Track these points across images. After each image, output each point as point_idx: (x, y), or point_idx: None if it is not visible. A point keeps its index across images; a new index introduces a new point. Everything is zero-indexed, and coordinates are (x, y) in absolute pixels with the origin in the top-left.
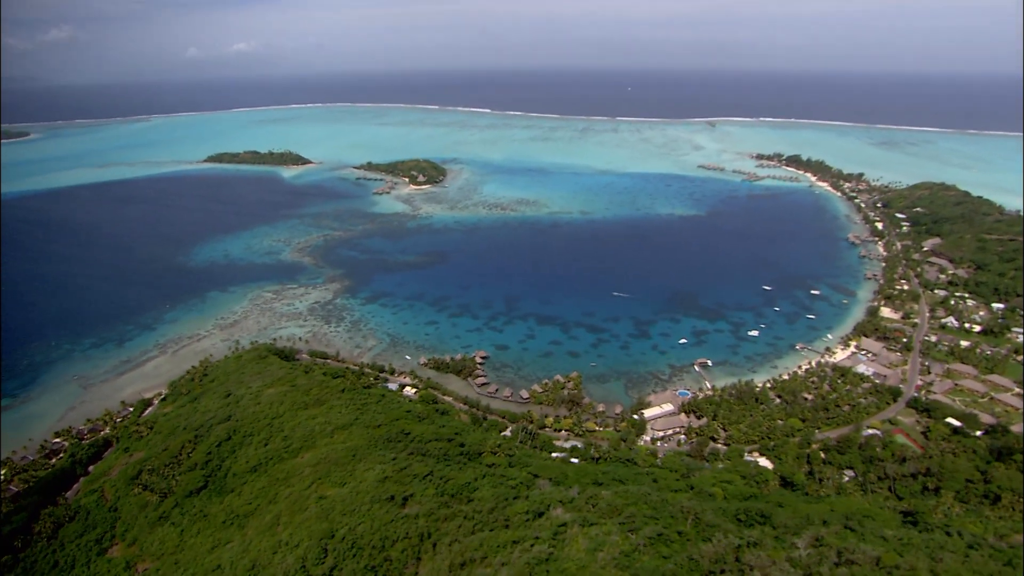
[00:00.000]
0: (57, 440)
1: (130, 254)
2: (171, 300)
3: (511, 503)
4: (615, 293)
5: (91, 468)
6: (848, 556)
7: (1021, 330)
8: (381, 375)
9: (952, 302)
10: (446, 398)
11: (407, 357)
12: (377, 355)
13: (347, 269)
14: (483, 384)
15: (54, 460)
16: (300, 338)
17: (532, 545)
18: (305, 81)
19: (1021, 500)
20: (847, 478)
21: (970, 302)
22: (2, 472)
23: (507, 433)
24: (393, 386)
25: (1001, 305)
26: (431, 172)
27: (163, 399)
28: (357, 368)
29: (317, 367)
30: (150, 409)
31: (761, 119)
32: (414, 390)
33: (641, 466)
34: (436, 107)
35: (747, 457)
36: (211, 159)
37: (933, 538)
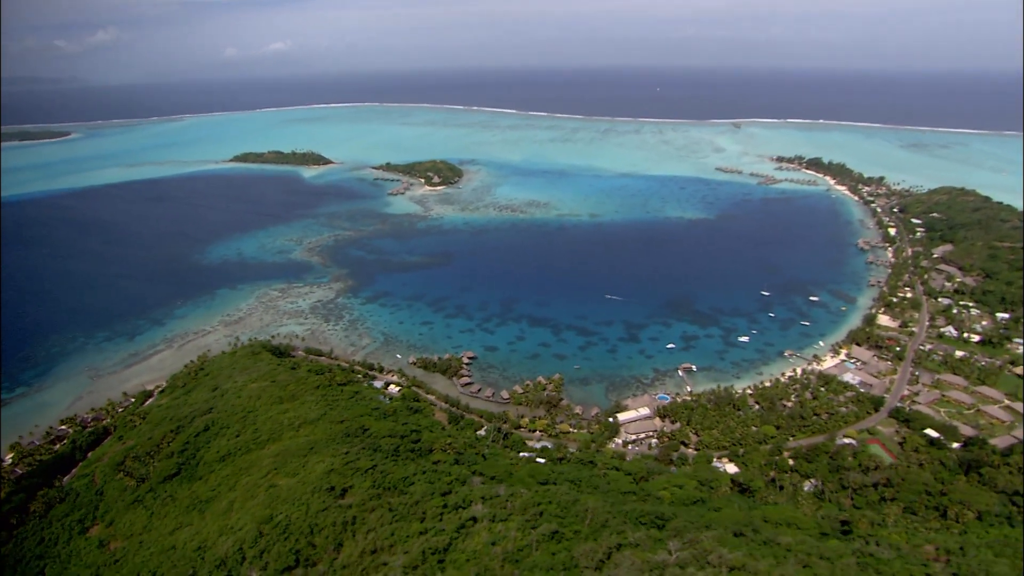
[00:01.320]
0: (63, 427)
1: (150, 252)
2: (183, 297)
3: (436, 498)
4: (608, 295)
5: (89, 454)
6: (707, 559)
7: (1021, 340)
8: (370, 373)
9: (955, 311)
10: (429, 396)
11: (398, 356)
12: (370, 353)
13: (352, 269)
14: (466, 384)
15: (57, 446)
16: (298, 335)
17: (434, 536)
18: (336, 80)
19: (970, 512)
20: (808, 487)
21: (974, 311)
22: (8, 456)
23: (481, 432)
24: (379, 384)
25: (1006, 315)
26: (447, 173)
27: (161, 391)
28: (348, 366)
29: (304, 364)
30: (150, 400)
31: (788, 120)
32: (398, 388)
33: (600, 468)
34: (462, 107)
35: (716, 463)
36: (236, 159)
37: (819, 545)
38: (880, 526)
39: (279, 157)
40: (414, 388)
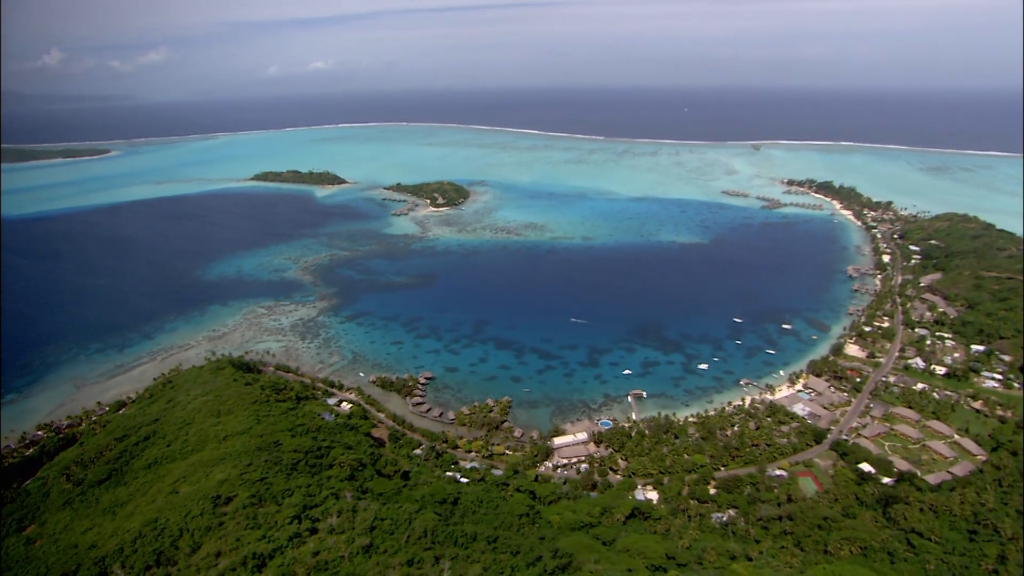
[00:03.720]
0: (38, 432)
1: (157, 267)
2: (176, 311)
3: (294, 508)
4: (573, 319)
5: (55, 459)
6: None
7: (990, 374)
8: (330, 390)
9: (928, 342)
10: (379, 415)
11: (361, 374)
12: (336, 371)
13: (340, 288)
14: (417, 404)
15: (30, 450)
16: (270, 352)
17: (266, 543)
18: (372, 99)
19: (852, 547)
20: (716, 517)
21: (949, 343)
22: None
23: (418, 452)
24: (333, 401)
25: (980, 347)
26: (452, 194)
27: (133, 402)
28: (309, 382)
29: (263, 380)
30: (122, 410)
31: (809, 142)
32: (349, 406)
33: (510, 489)
34: (486, 127)
35: (639, 490)
36: (256, 177)
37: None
38: (742, 559)
39: (296, 176)
40: (365, 406)
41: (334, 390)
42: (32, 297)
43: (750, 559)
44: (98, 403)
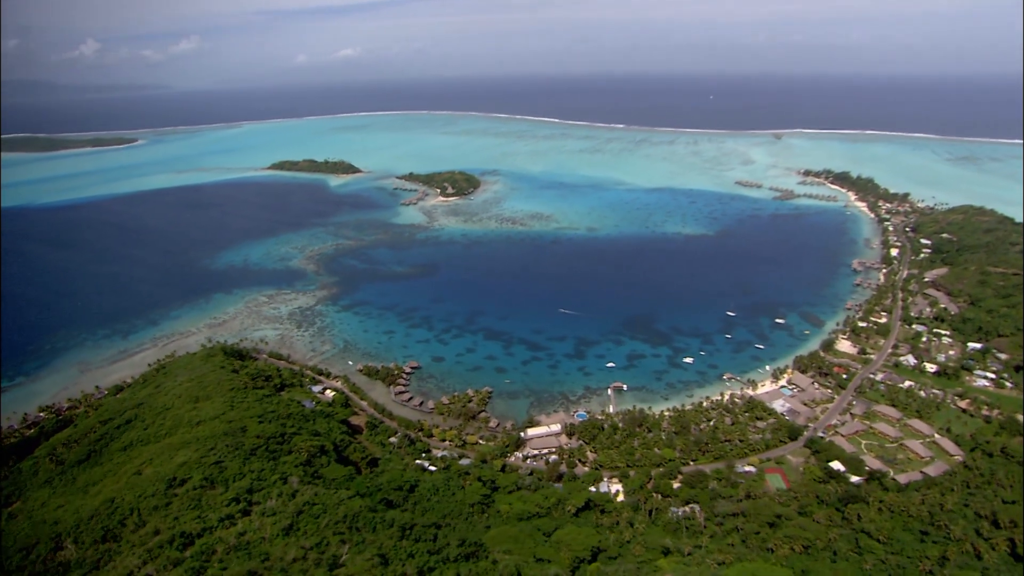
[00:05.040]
0: (40, 414)
1: (169, 256)
2: (181, 299)
3: (234, 492)
4: (562, 310)
5: (51, 439)
6: (356, 561)
7: (982, 373)
8: (317, 378)
9: (924, 339)
10: (362, 403)
11: (349, 363)
12: (326, 359)
13: (341, 277)
14: (400, 393)
15: (31, 431)
16: (264, 340)
17: (195, 522)
18: (397, 87)
19: (795, 544)
20: (673, 512)
21: (946, 340)
22: None
23: (393, 439)
24: (317, 389)
25: (977, 345)
26: (462, 184)
27: (128, 386)
28: (298, 369)
29: (251, 367)
30: (120, 393)
31: (833, 131)
32: (332, 393)
33: (471, 478)
34: (505, 115)
35: (604, 482)
36: (273, 166)
37: (514, 561)
38: (676, 554)
39: (312, 165)
40: (348, 394)
41: (321, 378)
42: (48, 284)
43: (688, 555)
44: (97, 387)
